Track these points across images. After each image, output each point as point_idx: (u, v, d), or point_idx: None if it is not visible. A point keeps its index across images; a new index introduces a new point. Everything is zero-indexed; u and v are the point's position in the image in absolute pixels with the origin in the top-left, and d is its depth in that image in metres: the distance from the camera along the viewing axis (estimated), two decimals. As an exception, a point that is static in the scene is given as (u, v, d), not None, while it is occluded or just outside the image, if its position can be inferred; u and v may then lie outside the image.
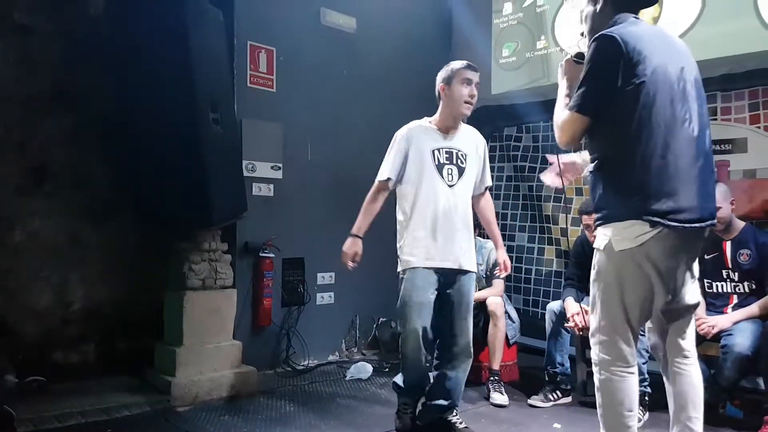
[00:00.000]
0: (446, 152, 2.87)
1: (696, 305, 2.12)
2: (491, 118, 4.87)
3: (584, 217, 3.44)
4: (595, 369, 2.06)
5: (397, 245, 2.91)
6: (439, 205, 2.80)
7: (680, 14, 3.77)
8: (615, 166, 1.99)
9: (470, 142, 2.95)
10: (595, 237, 2.12)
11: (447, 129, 2.90)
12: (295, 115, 4.20)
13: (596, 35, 2.01)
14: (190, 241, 3.48)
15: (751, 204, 3.40)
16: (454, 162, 2.86)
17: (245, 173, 3.85)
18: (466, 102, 2.83)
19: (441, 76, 2.91)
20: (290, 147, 4.17)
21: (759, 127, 3.47)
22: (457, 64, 2.89)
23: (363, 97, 4.59)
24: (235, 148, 3.66)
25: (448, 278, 2.81)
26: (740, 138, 3.53)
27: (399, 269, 2.87)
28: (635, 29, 2.00)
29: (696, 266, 2.11)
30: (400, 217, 2.93)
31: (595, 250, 2.07)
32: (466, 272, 2.84)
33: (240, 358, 3.60)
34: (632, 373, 2.00)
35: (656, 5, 3.88)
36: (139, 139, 3.37)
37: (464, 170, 2.87)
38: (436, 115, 2.94)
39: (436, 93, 2.93)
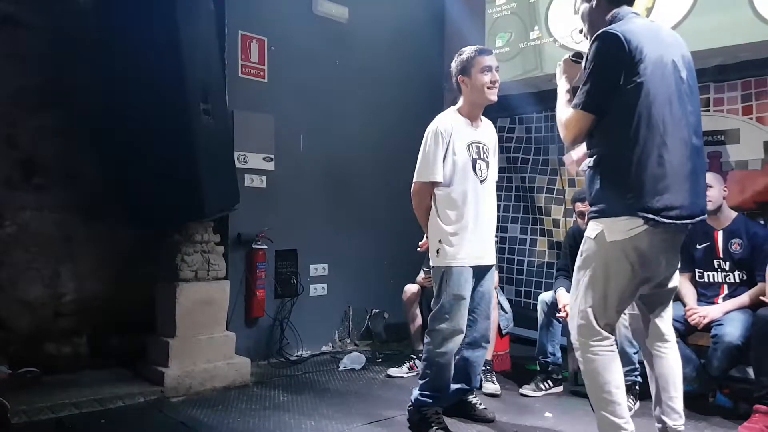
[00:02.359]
0: (476, 146, 2.82)
1: (674, 289, 2.23)
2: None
3: (577, 204, 3.45)
4: (577, 354, 2.15)
5: (433, 240, 2.78)
6: (474, 202, 2.76)
7: (673, 5, 3.77)
8: (613, 162, 2.05)
9: (490, 135, 2.94)
10: (587, 226, 2.18)
11: (474, 119, 2.85)
12: (287, 105, 4.18)
13: (598, 33, 2.04)
14: (182, 233, 3.47)
15: (742, 195, 3.41)
16: (482, 157, 2.83)
17: (237, 164, 3.83)
18: (490, 88, 2.77)
19: (456, 67, 2.82)
20: (282, 138, 4.15)
21: (751, 118, 3.48)
22: (470, 52, 2.80)
23: (355, 88, 4.57)
24: (226, 139, 3.64)
25: (480, 273, 2.85)
26: (732, 129, 3.54)
27: (439, 264, 2.75)
28: (635, 27, 2.03)
29: (678, 256, 2.21)
30: (438, 212, 2.78)
31: (585, 238, 2.14)
32: (492, 266, 2.92)
33: (233, 349, 3.60)
34: (611, 351, 2.10)
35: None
36: (130, 131, 3.35)
37: (489, 165, 2.86)
38: (461, 105, 2.86)
39: (454, 85, 2.86)
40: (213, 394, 3.34)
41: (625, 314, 2.96)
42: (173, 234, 3.48)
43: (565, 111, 2.15)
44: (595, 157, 2.10)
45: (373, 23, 4.68)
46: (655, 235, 2.00)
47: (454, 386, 2.91)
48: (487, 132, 2.91)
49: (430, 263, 2.84)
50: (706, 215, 2.12)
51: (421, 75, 5.02)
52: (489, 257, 2.86)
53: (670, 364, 2.21)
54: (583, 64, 2.14)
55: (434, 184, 2.77)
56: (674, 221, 1.97)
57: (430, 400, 2.77)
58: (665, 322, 2.25)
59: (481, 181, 2.80)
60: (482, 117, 2.93)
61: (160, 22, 3.11)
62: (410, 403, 2.84)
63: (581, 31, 2.27)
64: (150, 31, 3.13)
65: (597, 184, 2.08)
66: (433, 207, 2.80)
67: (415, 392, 2.81)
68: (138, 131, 3.29)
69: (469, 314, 2.81)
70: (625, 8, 2.14)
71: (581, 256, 2.15)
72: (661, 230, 1.99)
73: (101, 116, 3.52)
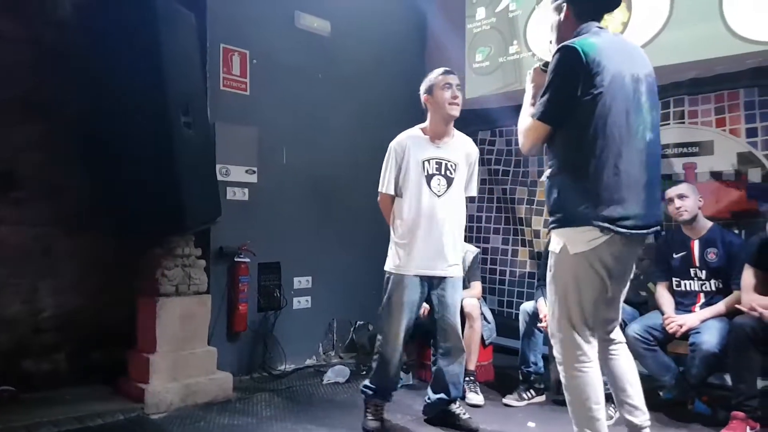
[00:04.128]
0: (436, 162, 2.94)
1: (621, 301, 2.29)
2: (465, 123, 4.82)
3: None
4: (559, 368, 2.17)
5: (389, 250, 3.00)
6: (428, 216, 2.89)
7: (649, 19, 3.86)
8: (570, 172, 2.09)
9: (461, 151, 3.03)
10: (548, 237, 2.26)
11: (439, 136, 2.98)
12: (270, 118, 4.18)
13: (559, 46, 2.09)
14: (162, 246, 3.45)
15: (717, 205, 3.48)
16: (443, 173, 2.94)
17: (219, 177, 3.81)
18: (451, 103, 2.92)
19: (422, 88, 3.01)
20: (265, 150, 4.15)
21: (725, 130, 3.56)
22: (433, 74, 3.00)
23: (338, 101, 4.59)
24: (208, 151, 3.63)
25: (435, 284, 2.95)
26: (707, 141, 3.62)
27: (386, 269, 2.97)
28: (596, 40, 2.08)
29: (633, 269, 2.27)
30: (393, 222, 3.00)
31: (550, 253, 2.18)
32: (452, 277, 2.97)
33: (215, 364, 3.57)
34: (593, 367, 2.11)
35: (625, 10, 3.97)
36: (111, 144, 3.32)
37: (453, 180, 2.95)
38: (427, 123, 3.02)
39: (423, 105, 3.03)
40: (195, 411, 3.30)
41: None
42: (154, 248, 3.45)
43: (525, 120, 2.21)
44: (553, 167, 2.16)
45: (355, 37, 4.71)
46: (615, 246, 2.04)
47: (434, 396, 3.04)
48: (458, 149, 3.02)
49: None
50: (660, 227, 2.18)
51: (403, 88, 5.01)
52: (444, 268, 2.94)
53: (622, 364, 2.25)
54: None
55: (391, 195, 2.97)
56: (629, 231, 2.02)
57: (371, 392, 3.01)
58: (615, 324, 2.28)
59: (438, 196, 2.91)
60: (457, 134, 3.04)
61: (141, 35, 3.10)
62: None
63: (551, 42, 2.32)
64: (131, 44, 3.12)
65: (555, 193, 2.13)
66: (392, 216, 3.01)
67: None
68: (119, 144, 3.26)
69: (437, 324, 2.98)
70: (591, 23, 2.19)
71: (550, 271, 2.18)
72: (618, 240, 2.03)
73: (82, 129, 3.50)
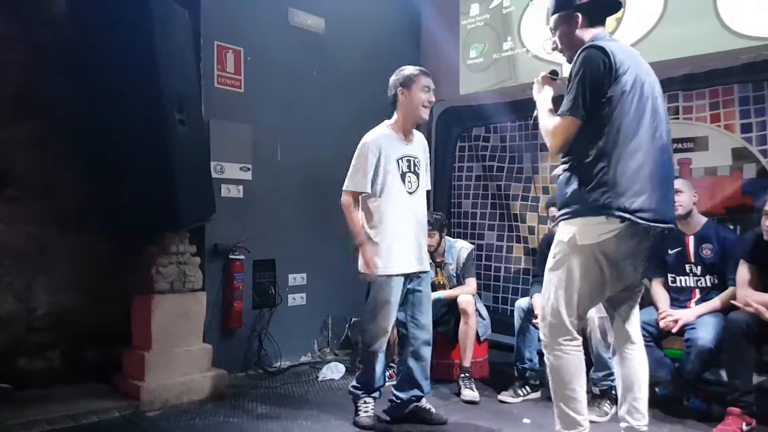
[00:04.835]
0: (407, 160, 2.99)
1: (639, 292, 2.35)
2: (460, 119, 4.92)
3: (552, 209, 3.49)
4: (545, 350, 2.24)
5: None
6: (402, 213, 2.93)
7: (643, 15, 3.86)
8: (590, 166, 2.13)
9: (421, 147, 3.09)
10: (556, 228, 2.29)
11: (406, 133, 3.01)
12: (264, 115, 4.17)
13: (586, 45, 2.16)
14: (157, 244, 3.44)
15: (712, 201, 3.49)
16: (413, 170, 2.99)
17: (214, 174, 3.81)
18: (425, 107, 2.96)
19: (398, 79, 3.00)
20: (259, 148, 4.14)
21: (719, 126, 3.57)
22: (412, 70, 3.01)
23: (333, 98, 4.58)
24: (202, 149, 3.62)
25: (412, 280, 2.99)
26: (701, 136, 3.63)
27: (368, 272, 2.92)
28: (616, 45, 2.18)
29: (641, 264, 2.32)
30: (366, 224, 2.97)
31: (557, 241, 2.22)
32: (426, 272, 3.05)
33: (210, 361, 3.57)
34: (578, 351, 2.20)
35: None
36: (105, 142, 3.31)
37: (419, 176, 3.02)
38: (396, 119, 3.02)
39: (392, 96, 3.01)
40: (190, 408, 3.29)
41: (595, 319, 3.06)
42: (148, 245, 3.44)
43: (551, 120, 2.24)
44: (572, 161, 2.20)
45: (349, 34, 4.70)
46: (623, 240, 2.10)
47: (405, 394, 3.04)
48: (418, 145, 3.07)
49: (359, 269, 2.95)
50: (673, 224, 2.23)
51: (397, 84, 5.04)
52: (420, 264, 2.99)
53: (636, 366, 2.31)
54: (560, 78, 2.32)
55: (362, 195, 2.95)
56: (647, 222, 2.07)
57: (360, 391, 3.05)
58: (632, 324, 2.34)
59: (410, 193, 2.96)
60: (414, 131, 3.07)
61: (135, 32, 3.09)
62: None
63: (554, 47, 2.36)
64: (125, 42, 3.11)
65: (573, 185, 2.17)
66: (362, 217, 2.96)
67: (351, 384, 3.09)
68: (113, 142, 3.26)
69: (410, 321, 3.00)
70: (603, 31, 2.28)
71: (553, 258, 2.23)
72: (630, 234, 2.09)
73: (76, 127, 3.49)
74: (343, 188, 2.99)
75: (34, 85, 3.47)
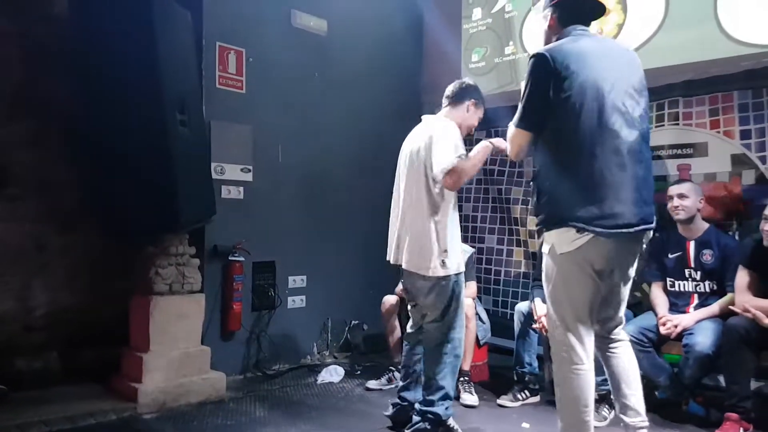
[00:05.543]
0: None
1: (623, 301, 2.28)
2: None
3: None
4: (553, 366, 2.19)
5: (436, 249, 2.71)
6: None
7: (644, 21, 3.87)
8: (547, 175, 2.13)
9: None
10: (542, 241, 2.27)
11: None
12: (266, 116, 4.17)
13: (535, 51, 2.15)
14: (156, 245, 3.43)
15: (711, 206, 3.49)
16: None
17: (214, 175, 3.81)
18: (473, 128, 3.05)
19: (475, 92, 2.97)
20: (260, 149, 4.14)
21: (719, 132, 3.57)
22: (483, 96, 3.03)
23: (335, 100, 4.59)
24: (203, 150, 3.62)
25: None
26: (701, 142, 3.63)
27: (448, 273, 2.72)
28: (570, 45, 2.13)
29: (633, 270, 2.25)
30: (441, 219, 2.73)
31: (541, 253, 2.23)
32: None
33: (209, 363, 3.55)
34: (587, 370, 2.13)
35: (621, 12, 3.98)
36: (105, 142, 3.30)
37: None
38: (457, 121, 2.90)
39: (459, 96, 2.94)
40: (188, 410, 3.28)
41: None
42: (147, 246, 3.44)
43: (509, 128, 2.25)
44: (534, 172, 2.21)
45: (352, 36, 4.71)
46: (598, 245, 2.05)
47: (411, 396, 2.98)
48: None
49: (429, 274, 2.71)
50: (651, 224, 2.13)
51: (399, 87, 5.06)
52: None
53: (621, 362, 2.26)
54: None
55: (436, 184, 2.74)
56: (608, 230, 2.02)
57: (450, 411, 2.84)
58: (615, 322, 2.29)
59: None
60: None
61: (137, 32, 3.08)
62: (426, 417, 2.78)
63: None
64: (127, 41, 3.10)
65: (535, 196, 2.19)
66: (437, 216, 2.72)
67: (439, 407, 2.77)
68: (114, 141, 3.24)
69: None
70: (574, 27, 2.22)
71: (543, 272, 2.22)
72: (602, 240, 2.04)
73: (76, 126, 3.47)
74: (448, 165, 2.63)
75: (33, 82, 3.47)
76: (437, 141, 2.72)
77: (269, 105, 4.20)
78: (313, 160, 4.42)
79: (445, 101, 3.01)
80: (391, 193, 3.01)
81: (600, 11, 2.34)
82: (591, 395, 2.13)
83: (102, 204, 3.47)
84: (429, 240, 2.71)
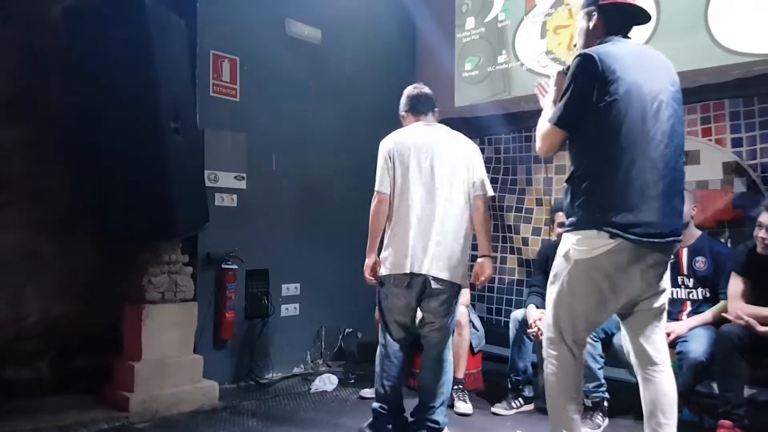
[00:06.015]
0: None
1: (659, 310, 2.21)
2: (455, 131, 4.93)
3: (558, 214, 3.47)
4: (544, 363, 2.22)
5: (466, 260, 2.86)
6: None
7: (635, 31, 3.88)
8: (584, 178, 2.10)
9: None
10: (559, 238, 2.26)
11: None
12: (260, 124, 4.18)
13: (581, 52, 2.13)
14: (149, 253, 3.42)
15: (703, 214, 3.51)
16: None
17: (207, 183, 3.80)
18: None
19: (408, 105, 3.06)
20: (254, 157, 4.14)
21: (711, 140, 3.60)
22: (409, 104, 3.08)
23: (328, 108, 4.60)
24: (197, 157, 3.62)
25: None
26: (693, 150, 3.65)
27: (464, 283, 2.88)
28: (615, 49, 2.11)
29: (664, 277, 2.19)
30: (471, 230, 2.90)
31: (556, 254, 2.20)
32: None
33: (201, 372, 3.54)
34: (576, 369, 2.16)
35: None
36: (99, 149, 3.29)
37: None
38: None
39: (402, 117, 3.08)
40: (180, 419, 3.26)
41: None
42: (140, 254, 3.42)
43: (543, 123, 2.24)
44: (570, 173, 2.18)
45: (346, 45, 4.73)
46: (619, 255, 2.02)
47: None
48: None
49: (461, 282, 2.82)
50: (680, 236, 2.13)
51: (393, 96, 5.00)
52: None
53: (659, 388, 2.18)
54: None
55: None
56: (639, 238, 2.00)
57: (447, 419, 2.95)
58: (653, 344, 2.22)
59: None
60: None
61: (131, 39, 3.08)
62: (426, 425, 2.83)
63: (575, 45, 2.36)
64: (121, 49, 3.10)
65: (569, 197, 2.16)
66: (469, 225, 2.88)
67: (440, 415, 2.85)
68: (107, 149, 3.24)
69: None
70: (617, 34, 2.22)
71: (552, 271, 2.21)
72: (627, 249, 2.01)
73: (70, 133, 3.46)
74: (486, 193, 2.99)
75: (28, 88, 3.45)
76: (481, 162, 3.00)
77: (263, 113, 4.20)
78: (307, 168, 4.43)
79: (434, 110, 3.07)
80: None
81: (644, 19, 2.32)
82: (579, 394, 2.17)
83: (95, 212, 3.46)
84: (466, 249, 2.83)
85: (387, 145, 2.90)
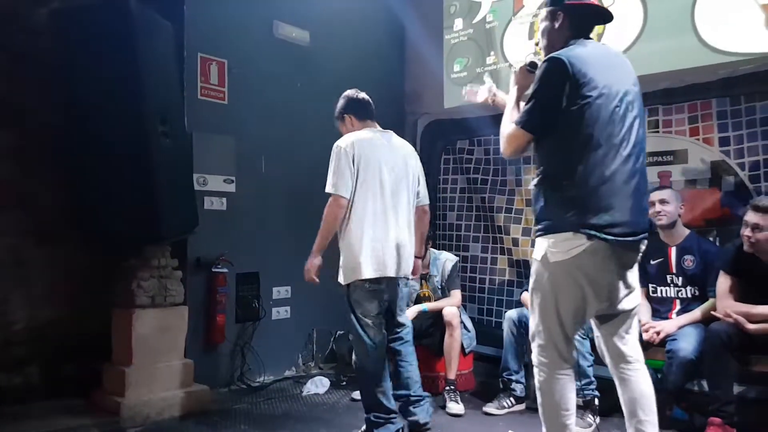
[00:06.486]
0: None
1: (631, 310, 2.22)
2: (444, 132, 4.95)
3: None
4: (535, 371, 2.19)
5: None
6: None
7: (622, 31, 3.92)
8: (556, 181, 2.10)
9: None
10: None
11: None
12: (249, 127, 4.16)
13: (547, 57, 2.11)
14: (138, 257, 3.40)
15: (692, 213, 3.53)
16: None
17: (196, 187, 3.78)
18: None
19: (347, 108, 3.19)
20: (243, 160, 4.12)
21: (698, 139, 3.62)
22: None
23: (317, 110, 4.57)
24: (185, 161, 3.59)
25: None
26: (681, 149, 3.68)
27: None
28: (584, 51, 2.10)
29: (633, 276, 2.20)
30: None
31: (532, 260, 2.20)
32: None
33: (192, 376, 3.52)
34: (568, 374, 2.14)
35: (600, 22, 4.03)
36: (87, 153, 3.27)
37: None
38: None
39: (345, 125, 3.22)
40: (172, 424, 3.24)
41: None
42: (129, 258, 3.40)
43: (507, 125, 2.22)
44: (540, 175, 2.16)
45: (334, 47, 4.72)
46: (597, 255, 2.03)
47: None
48: None
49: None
50: (647, 234, 2.16)
51: (383, 98, 5.01)
52: None
53: (636, 387, 2.19)
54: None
55: None
56: (617, 238, 2.02)
57: None
58: (627, 344, 2.22)
59: None
60: None
61: (118, 43, 3.07)
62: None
63: (536, 44, 2.35)
64: (108, 53, 3.09)
65: (542, 201, 2.14)
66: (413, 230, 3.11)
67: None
68: (94, 153, 3.22)
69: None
70: (581, 34, 2.21)
71: (532, 278, 2.20)
72: (603, 249, 2.02)
73: (56, 138, 3.44)
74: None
75: (11, 94, 3.42)
76: (423, 172, 3.16)
77: (252, 116, 4.18)
78: (296, 171, 4.41)
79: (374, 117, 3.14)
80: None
81: (608, 18, 2.32)
82: (572, 400, 2.15)
83: (83, 216, 3.44)
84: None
85: (349, 149, 2.93)
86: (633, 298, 2.21)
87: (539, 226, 2.15)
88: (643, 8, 3.85)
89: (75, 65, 3.24)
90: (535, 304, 2.18)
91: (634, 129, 2.10)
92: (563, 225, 2.05)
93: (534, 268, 2.18)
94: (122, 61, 3.07)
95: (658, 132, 3.75)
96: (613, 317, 2.21)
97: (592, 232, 2.00)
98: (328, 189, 2.90)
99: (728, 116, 3.51)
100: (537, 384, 2.18)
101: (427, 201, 3.16)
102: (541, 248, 2.13)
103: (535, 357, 2.19)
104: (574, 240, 2.03)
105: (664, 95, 3.72)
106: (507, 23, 4.59)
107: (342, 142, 2.96)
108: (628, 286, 2.18)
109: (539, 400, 2.19)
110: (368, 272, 2.85)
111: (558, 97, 2.04)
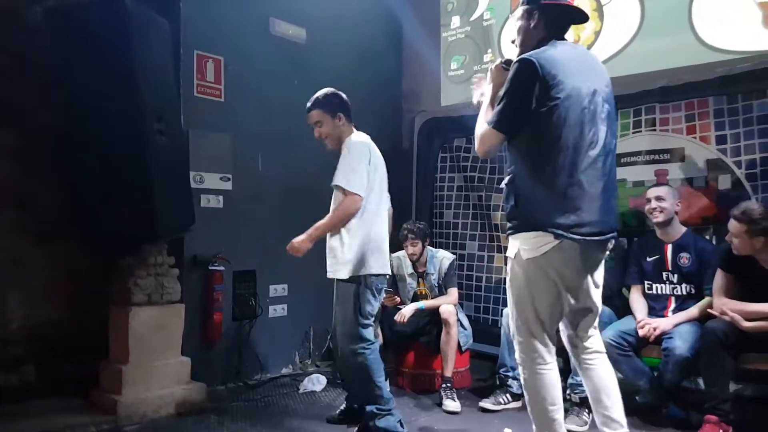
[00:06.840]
0: None
1: (596, 311, 2.29)
2: (441, 130, 4.95)
3: None
4: (519, 368, 2.25)
5: None
6: None
7: (620, 29, 3.92)
8: (526, 181, 2.14)
9: None
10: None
11: None
12: (245, 125, 4.15)
13: (518, 58, 2.14)
14: (135, 255, 3.39)
15: (688, 211, 3.54)
16: None
17: (193, 185, 3.77)
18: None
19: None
20: (240, 157, 4.12)
21: (695, 137, 3.62)
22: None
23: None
24: (181, 159, 3.58)
25: None
26: (678, 148, 3.68)
27: None
28: (555, 52, 2.13)
29: (599, 275, 2.27)
30: None
31: (506, 258, 2.26)
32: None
33: (189, 374, 3.52)
34: (550, 369, 2.19)
35: (597, 20, 4.04)
36: (83, 152, 3.26)
37: None
38: None
39: (343, 121, 3.18)
40: (168, 422, 3.24)
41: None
42: (126, 257, 3.40)
43: (481, 124, 2.25)
44: (510, 174, 2.21)
45: (331, 44, 4.70)
46: (567, 252, 2.09)
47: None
48: None
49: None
50: (613, 233, 2.20)
51: (379, 95, 5.06)
52: None
53: (599, 373, 2.27)
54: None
55: None
56: (584, 237, 2.06)
57: None
58: (591, 337, 2.30)
59: None
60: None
61: (114, 41, 3.05)
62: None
63: (513, 41, 2.36)
64: (104, 51, 3.07)
65: (511, 200, 2.19)
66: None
67: None
68: (91, 151, 3.21)
69: None
70: (556, 36, 2.24)
71: (508, 276, 2.25)
72: (570, 248, 2.08)
73: (53, 137, 3.43)
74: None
75: (8, 93, 3.40)
76: None
77: (248, 113, 4.17)
78: (293, 168, 4.40)
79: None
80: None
81: (582, 19, 2.37)
82: (558, 393, 2.19)
83: (80, 215, 3.42)
84: None
85: (365, 150, 3.01)
86: (597, 298, 2.27)
87: (510, 225, 2.20)
88: (640, 6, 3.85)
89: (72, 64, 3.22)
90: (512, 302, 2.23)
91: (604, 130, 2.14)
92: (533, 224, 2.10)
93: (508, 267, 2.24)
94: (119, 58, 3.05)
95: (655, 130, 3.75)
96: (579, 312, 2.27)
97: (560, 232, 2.05)
98: (347, 186, 2.92)
99: (725, 114, 3.52)
100: (522, 381, 2.24)
101: (390, 203, 3.31)
102: (514, 247, 2.19)
103: (517, 354, 2.25)
104: (543, 238, 2.08)
105: (661, 93, 3.72)
106: (504, 21, 4.59)
107: (360, 140, 3.05)
108: (595, 283, 2.25)
109: (526, 397, 2.23)
110: (377, 267, 2.95)
111: (528, 98, 2.08)
